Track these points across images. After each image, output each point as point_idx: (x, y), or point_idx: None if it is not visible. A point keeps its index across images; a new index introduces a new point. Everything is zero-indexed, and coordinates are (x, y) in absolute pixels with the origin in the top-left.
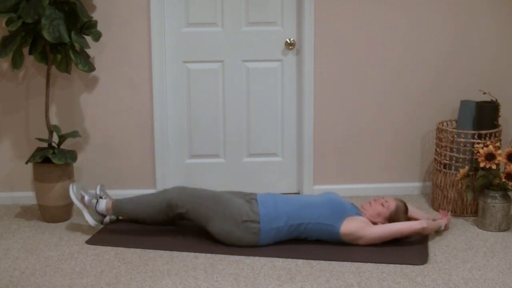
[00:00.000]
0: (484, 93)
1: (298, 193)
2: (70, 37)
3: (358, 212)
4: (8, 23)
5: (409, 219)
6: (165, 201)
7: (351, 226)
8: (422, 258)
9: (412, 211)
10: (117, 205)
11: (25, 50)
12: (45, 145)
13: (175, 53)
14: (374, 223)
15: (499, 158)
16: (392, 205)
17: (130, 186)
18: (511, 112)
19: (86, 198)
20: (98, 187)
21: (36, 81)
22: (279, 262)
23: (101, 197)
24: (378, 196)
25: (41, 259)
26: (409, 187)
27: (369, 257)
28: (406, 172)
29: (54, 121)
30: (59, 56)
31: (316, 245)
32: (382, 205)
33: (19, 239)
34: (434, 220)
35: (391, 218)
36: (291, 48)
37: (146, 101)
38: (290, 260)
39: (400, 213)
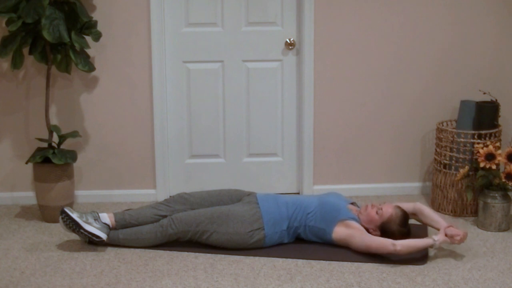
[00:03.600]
0: (484, 93)
1: (298, 193)
2: (70, 37)
3: (352, 215)
4: (8, 23)
5: (408, 231)
6: (165, 239)
7: (341, 233)
8: (422, 258)
9: (430, 217)
10: (113, 238)
11: (25, 50)
12: (45, 145)
13: (175, 53)
14: (366, 229)
15: (499, 158)
16: (385, 214)
17: (130, 186)
18: (511, 112)
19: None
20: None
21: (36, 81)
22: (279, 262)
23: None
24: (381, 201)
25: (41, 259)
26: (409, 187)
27: (369, 257)
28: (406, 172)
29: (54, 121)
30: (59, 56)
31: (316, 245)
32: (377, 212)
33: (19, 239)
34: (450, 226)
35: (382, 228)
36: (291, 48)
37: (146, 101)
38: (290, 260)
39: (392, 224)
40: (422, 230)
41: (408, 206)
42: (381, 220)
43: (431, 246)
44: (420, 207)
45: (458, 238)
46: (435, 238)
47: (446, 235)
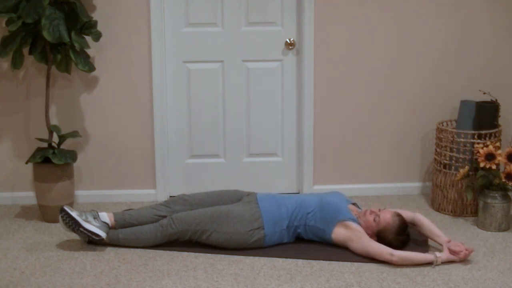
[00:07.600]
0: (484, 93)
1: (298, 193)
2: (70, 37)
3: (352, 217)
4: (8, 23)
5: (406, 239)
6: (165, 239)
7: (341, 234)
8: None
9: (429, 229)
10: (113, 238)
11: (25, 50)
12: (45, 145)
13: (175, 53)
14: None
15: (499, 158)
16: (382, 222)
17: (130, 186)
18: (511, 112)
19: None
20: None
21: (36, 81)
22: (279, 262)
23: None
24: (382, 205)
25: (41, 259)
26: (409, 187)
27: (370, 257)
28: (406, 172)
29: (54, 121)
30: (59, 56)
31: (316, 245)
32: (374, 219)
33: (19, 239)
34: (451, 241)
35: (379, 235)
36: (291, 48)
37: (146, 101)
38: (290, 260)
39: (388, 233)
40: (422, 238)
41: (407, 215)
42: (377, 228)
43: (431, 263)
44: (420, 218)
45: (462, 254)
46: (438, 255)
47: (449, 251)
